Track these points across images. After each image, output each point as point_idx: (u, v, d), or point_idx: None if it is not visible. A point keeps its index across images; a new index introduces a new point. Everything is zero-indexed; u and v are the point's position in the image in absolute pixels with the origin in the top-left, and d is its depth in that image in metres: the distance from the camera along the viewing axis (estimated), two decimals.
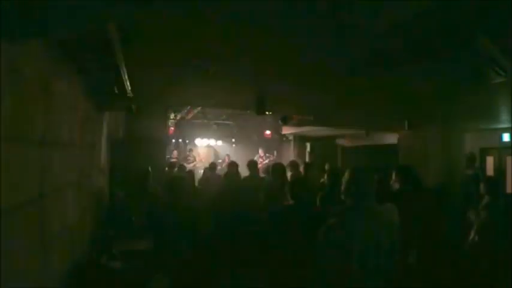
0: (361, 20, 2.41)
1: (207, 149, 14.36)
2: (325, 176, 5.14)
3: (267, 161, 12.17)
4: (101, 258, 3.18)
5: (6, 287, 1.42)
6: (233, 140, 14.00)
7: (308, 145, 13.24)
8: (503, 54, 2.81)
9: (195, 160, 12.48)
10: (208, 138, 13.22)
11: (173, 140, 12.68)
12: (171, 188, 3.93)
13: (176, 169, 8.21)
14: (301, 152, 13.38)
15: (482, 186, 4.32)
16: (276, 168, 4.94)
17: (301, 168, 6.43)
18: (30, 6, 1.43)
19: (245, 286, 3.69)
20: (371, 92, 4.85)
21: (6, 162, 1.45)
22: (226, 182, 5.52)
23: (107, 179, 5.30)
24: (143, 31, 2.63)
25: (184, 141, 13.36)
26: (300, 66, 3.72)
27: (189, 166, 11.00)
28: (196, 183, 7.77)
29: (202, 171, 9.58)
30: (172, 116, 10.64)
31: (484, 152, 9.08)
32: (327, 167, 7.29)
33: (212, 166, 8.04)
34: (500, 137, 8.61)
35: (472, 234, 4.08)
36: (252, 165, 5.92)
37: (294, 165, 6.57)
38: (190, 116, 10.96)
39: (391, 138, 9.64)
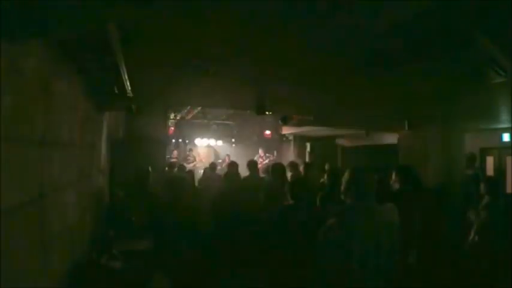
0: (361, 20, 2.41)
1: (207, 149, 14.36)
2: (325, 176, 5.15)
3: (267, 161, 12.17)
4: (101, 258, 3.18)
5: (6, 287, 1.42)
6: (233, 140, 14.00)
7: (308, 145, 13.24)
8: (503, 54, 2.81)
9: (195, 160, 12.49)
10: (208, 138, 13.22)
11: (173, 140, 12.68)
12: (171, 188, 3.93)
13: (176, 169, 8.21)
14: (301, 152, 13.38)
15: (482, 186, 4.33)
16: (276, 168, 4.94)
17: (301, 168, 6.43)
18: (30, 6, 1.44)
19: (245, 286, 3.69)
20: (371, 92, 4.85)
21: (6, 162, 1.45)
22: (226, 182, 5.52)
23: (107, 179, 5.30)
24: (143, 31, 2.63)
25: (184, 141, 13.36)
26: (300, 66, 3.71)
27: (189, 166, 11.01)
28: (196, 183, 7.78)
29: (202, 171, 9.58)
30: (172, 116, 10.65)
31: (484, 152, 9.07)
32: (327, 167, 7.30)
33: (212, 166, 8.05)
34: (500, 137, 8.60)
35: (472, 234, 4.09)
36: (252, 165, 5.92)
37: (293, 165, 6.58)
38: (190, 116, 10.96)
39: (391, 138, 9.63)
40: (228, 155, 12.71)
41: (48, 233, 2.12)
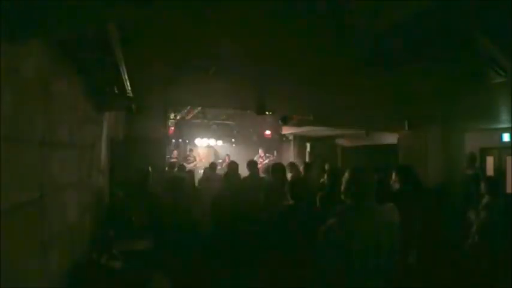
0: (361, 20, 2.41)
1: (207, 149, 14.36)
2: (325, 176, 5.14)
3: (267, 161, 12.17)
4: (101, 258, 3.18)
5: (6, 287, 1.42)
6: (233, 140, 14.00)
7: (308, 145, 13.24)
8: (503, 54, 2.81)
9: (195, 160, 12.49)
10: (208, 138, 13.21)
11: (173, 140, 12.68)
12: (171, 188, 3.93)
13: (176, 169, 8.21)
14: (301, 152, 13.38)
15: (482, 186, 4.33)
16: (276, 168, 4.94)
17: (301, 169, 6.43)
18: (30, 6, 1.43)
19: (245, 286, 3.69)
20: (371, 92, 4.85)
21: (6, 162, 1.45)
22: (226, 182, 5.52)
23: (107, 179, 5.30)
24: (143, 31, 2.63)
25: (184, 141, 13.36)
26: (300, 66, 3.72)
27: (189, 166, 11.01)
28: (196, 183, 7.78)
29: (202, 171, 9.58)
30: (172, 116, 10.64)
31: (484, 152, 9.08)
32: (327, 167, 7.30)
33: (212, 166, 8.04)
34: (500, 137, 8.61)
35: (472, 234, 4.09)
36: (252, 165, 5.92)
37: (293, 166, 6.58)
38: (190, 116, 10.96)
39: (391, 138, 9.63)
40: (228, 155, 12.71)
41: (48, 233, 2.12)
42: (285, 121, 6.99)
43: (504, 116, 6.47)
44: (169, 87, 4.83)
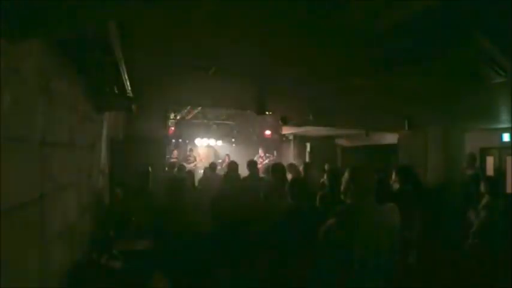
0: (361, 20, 2.41)
1: (207, 149, 14.36)
2: (325, 176, 5.14)
3: (267, 161, 12.17)
4: (101, 258, 3.18)
5: (6, 287, 1.42)
6: (233, 140, 14.00)
7: (308, 145, 13.25)
8: (503, 54, 2.81)
9: (195, 160, 12.49)
10: (208, 138, 13.21)
11: (173, 140, 12.68)
12: (171, 188, 3.93)
13: (176, 169, 8.22)
14: (301, 152, 13.39)
15: (482, 186, 4.32)
16: (276, 168, 4.93)
17: (301, 169, 6.43)
18: (30, 6, 1.43)
19: (245, 286, 3.69)
20: (371, 92, 4.85)
21: (6, 162, 1.45)
22: (226, 182, 5.52)
23: (107, 179, 5.30)
24: (143, 31, 2.63)
25: (184, 141, 13.36)
26: (300, 66, 3.72)
27: (189, 166, 11.01)
28: (196, 183, 7.78)
29: (202, 171, 9.58)
30: (172, 116, 10.65)
31: (484, 152, 9.08)
32: (326, 167, 7.30)
33: (212, 166, 8.04)
34: (500, 137, 8.61)
35: (472, 234, 4.09)
36: (252, 165, 5.91)
37: (293, 167, 6.57)
38: (190, 116, 10.96)
39: (391, 138, 9.64)
40: (228, 155, 12.71)
41: (48, 233, 2.11)
42: (285, 121, 7.00)
43: (504, 116, 6.47)
44: (169, 87, 4.83)
